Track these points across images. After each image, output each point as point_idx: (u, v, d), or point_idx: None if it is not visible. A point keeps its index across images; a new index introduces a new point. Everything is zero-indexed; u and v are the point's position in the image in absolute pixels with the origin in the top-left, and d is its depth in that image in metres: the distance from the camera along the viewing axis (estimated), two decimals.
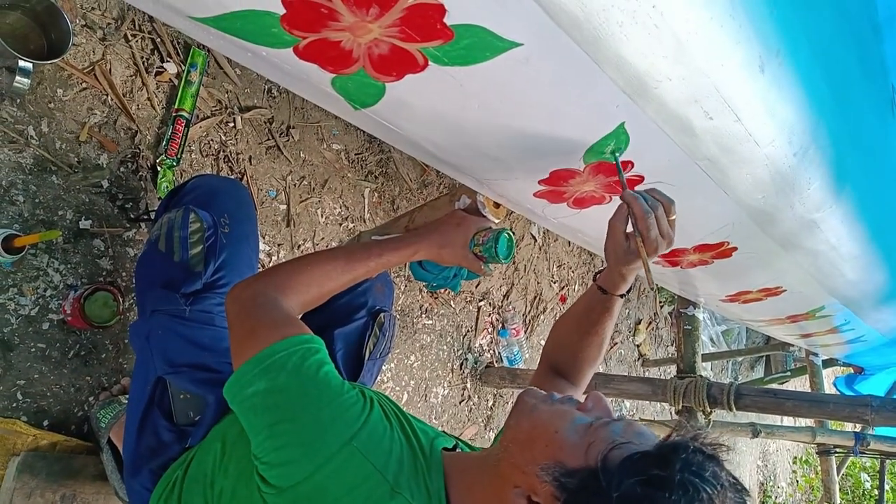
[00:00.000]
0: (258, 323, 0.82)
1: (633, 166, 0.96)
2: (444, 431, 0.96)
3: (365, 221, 2.10)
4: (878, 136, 1.27)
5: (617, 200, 1.07)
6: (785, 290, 1.72)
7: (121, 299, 1.41)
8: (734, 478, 0.65)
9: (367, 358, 1.33)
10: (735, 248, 1.35)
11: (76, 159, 1.43)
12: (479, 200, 1.14)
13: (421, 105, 0.79)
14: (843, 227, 1.34)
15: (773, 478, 6.46)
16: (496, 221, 1.17)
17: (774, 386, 4.27)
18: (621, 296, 1.04)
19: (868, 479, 6.65)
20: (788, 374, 4.84)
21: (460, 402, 2.50)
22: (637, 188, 1.02)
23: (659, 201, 0.91)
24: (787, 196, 1.14)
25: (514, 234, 1.10)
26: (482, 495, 0.78)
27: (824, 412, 1.65)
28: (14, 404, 1.32)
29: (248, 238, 1.21)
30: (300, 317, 0.91)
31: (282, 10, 0.62)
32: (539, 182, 1.00)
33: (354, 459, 0.73)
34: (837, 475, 3.46)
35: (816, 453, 3.43)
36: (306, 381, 0.76)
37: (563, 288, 3.13)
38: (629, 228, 0.93)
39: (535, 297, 2.94)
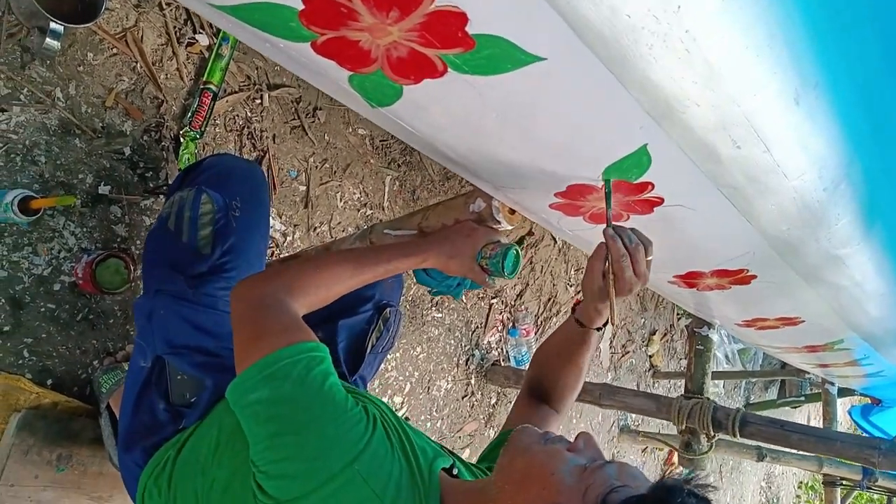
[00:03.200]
0: (264, 326, 0.81)
1: (653, 187, 0.93)
2: (442, 447, 0.95)
3: (384, 209, 2.09)
4: None
5: (635, 220, 1.05)
6: (804, 321, 1.68)
7: (132, 267, 1.42)
8: None
9: (368, 351, 1.32)
10: (754, 276, 1.32)
11: (100, 124, 1.43)
12: (494, 205, 1.12)
13: (438, 110, 0.77)
14: (871, 264, 1.30)
15: (776, 501, 6.38)
16: (510, 228, 1.15)
17: (783, 417, 4.20)
18: (598, 329, 1.05)
19: None
20: (802, 398, 4.74)
21: (463, 398, 2.49)
22: (657, 209, 1.00)
23: (640, 242, 0.91)
24: (814, 230, 1.10)
25: (521, 251, 1.08)
26: None
27: (831, 450, 1.60)
28: (20, 361, 1.34)
29: (259, 224, 1.21)
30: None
31: (301, 6, 0.61)
32: (555, 195, 0.98)
33: (355, 482, 0.72)
34: None
35: (822, 483, 3.36)
36: (311, 394, 0.75)
37: (578, 292, 3.09)
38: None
39: (549, 299, 2.92)
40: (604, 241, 0.92)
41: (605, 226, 1.03)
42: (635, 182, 0.91)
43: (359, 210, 2.02)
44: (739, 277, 1.33)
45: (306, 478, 0.71)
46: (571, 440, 0.78)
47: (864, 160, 1.00)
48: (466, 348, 2.49)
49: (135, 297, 1.44)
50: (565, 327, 1.09)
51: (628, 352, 3.58)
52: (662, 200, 0.98)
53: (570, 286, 3.05)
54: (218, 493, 0.86)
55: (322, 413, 0.74)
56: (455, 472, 0.90)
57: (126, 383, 1.14)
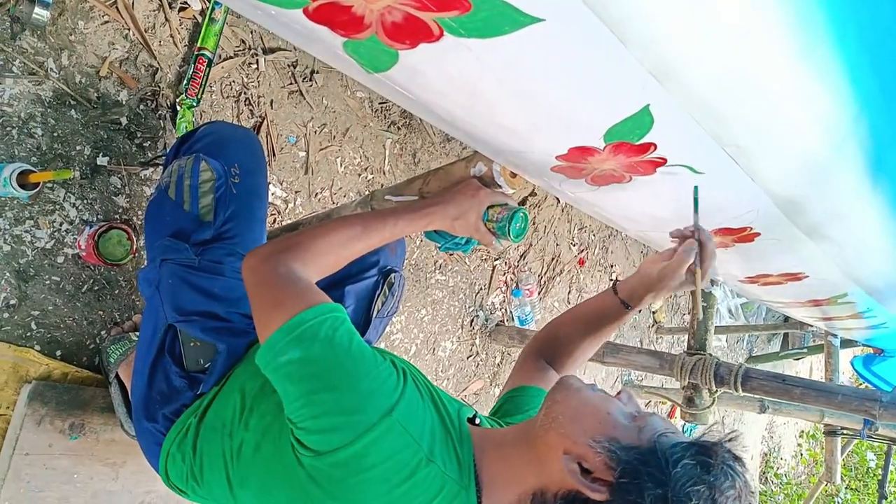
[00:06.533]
0: (282, 292, 0.83)
1: (655, 148, 0.92)
2: (461, 401, 0.99)
3: (384, 173, 2.08)
4: None
5: (637, 181, 1.04)
6: (808, 277, 1.67)
7: (135, 238, 1.42)
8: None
9: (374, 315, 1.34)
10: (758, 234, 1.31)
11: (95, 94, 1.41)
12: (496, 169, 1.11)
13: (436, 75, 0.76)
14: (875, 219, 1.29)
15: (777, 449, 6.50)
16: (511, 192, 1.14)
17: (786, 369, 4.23)
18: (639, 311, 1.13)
19: (874, 457, 6.66)
20: (805, 350, 4.78)
21: (468, 358, 2.52)
22: (659, 170, 0.99)
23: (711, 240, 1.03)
24: (818, 187, 1.09)
25: (528, 214, 1.08)
26: (519, 463, 0.82)
27: (832, 403, 1.62)
28: (28, 333, 1.35)
29: (258, 190, 1.20)
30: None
31: None
32: (556, 157, 0.96)
33: (394, 430, 0.76)
34: (841, 455, 3.45)
35: (823, 433, 3.41)
36: (341, 353, 0.78)
37: (582, 251, 3.09)
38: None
39: (552, 259, 2.92)
40: (692, 238, 1.04)
41: (609, 186, 1.02)
42: (637, 143, 0.90)
43: (360, 175, 2.01)
44: (743, 235, 1.33)
45: (346, 429, 0.74)
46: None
47: (871, 117, 0.98)
48: (470, 309, 2.51)
49: (139, 268, 1.45)
50: (602, 301, 1.14)
51: None
52: (665, 161, 0.97)
53: (573, 246, 3.05)
54: (249, 453, 0.89)
55: (354, 370, 0.77)
56: (477, 421, 0.95)
57: (137, 353, 1.15)
